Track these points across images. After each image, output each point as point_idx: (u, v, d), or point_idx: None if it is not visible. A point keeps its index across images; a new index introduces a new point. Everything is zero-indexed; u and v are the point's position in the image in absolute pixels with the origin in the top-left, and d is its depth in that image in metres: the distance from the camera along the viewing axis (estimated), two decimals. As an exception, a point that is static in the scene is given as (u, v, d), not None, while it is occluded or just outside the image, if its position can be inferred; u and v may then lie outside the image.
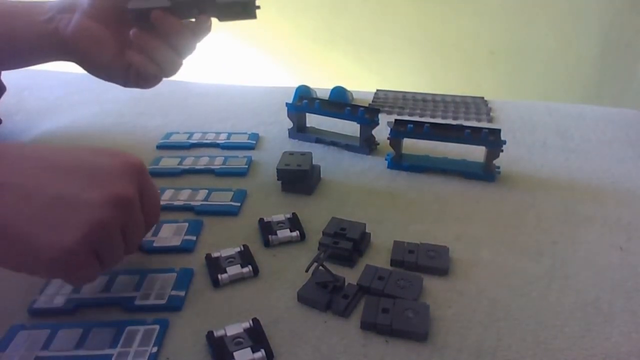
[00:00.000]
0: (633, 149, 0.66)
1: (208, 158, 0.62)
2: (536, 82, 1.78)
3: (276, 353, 0.35)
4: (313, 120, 0.69)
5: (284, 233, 0.47)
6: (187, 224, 0.48)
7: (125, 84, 0.52)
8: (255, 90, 0.88)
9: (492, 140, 0.56)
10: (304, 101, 0.66)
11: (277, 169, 0.54)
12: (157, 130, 0.70)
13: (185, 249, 0.46)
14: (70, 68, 0.61)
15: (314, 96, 0.74)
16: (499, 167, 0.58)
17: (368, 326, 0.37)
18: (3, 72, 0.67)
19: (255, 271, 0.42)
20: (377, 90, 0.87)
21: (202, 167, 0.60)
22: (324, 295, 0.39)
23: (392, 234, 0.47)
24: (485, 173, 0.58)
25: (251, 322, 0.37)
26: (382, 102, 0.81)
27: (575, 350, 0.35)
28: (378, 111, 0.63)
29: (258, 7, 0.48)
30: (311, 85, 0.80)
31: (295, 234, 0.47)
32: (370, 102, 0.81)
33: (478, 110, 0.77)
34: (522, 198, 0.54)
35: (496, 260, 0.45)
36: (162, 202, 0.52)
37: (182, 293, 0.40)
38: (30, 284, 0.41)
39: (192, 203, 0.52)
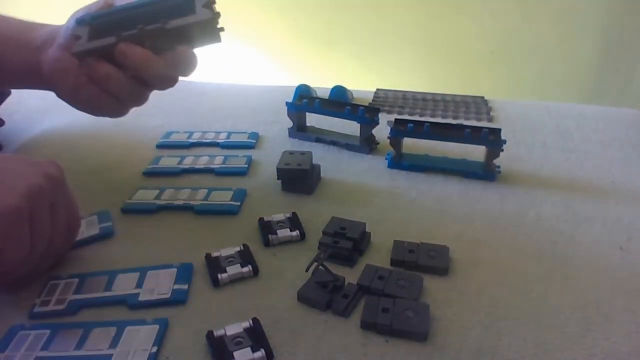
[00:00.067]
0: (633, 149, 0.66)
1: (208, 157, 0.62)
2: (536, 82, 1.78)
3: (276, 353, 0.35)
4: (313, 119, 0.68)
5: (284, 232, 0.47)
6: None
7: (92, 113, 0.50)
8: (255, 89, 0.88)
9: (492, 139, 0.56)
10: (304, 100, 0.66)
11: (277, 168, 0.54)
12: (157, 130, 0.70)
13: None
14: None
15: (314, 95, 0.74)
16: (499, 167, 0.58)
17: (368, 326, 0.37)
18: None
19: (255, 271, 0.42)
20: (377, 89, 0.86)
21: (202, 166, 0.60)
22: (324, 295, 0.39)
23: (392, 234, 0.47)
24: (486, 173, 0.57)
25: (251, 321, 0.37)
26: (382, 101, 0.81)
27: (575, 350, 0.35)
28: (378, 110, 0.63)
29: (221, 30, 0.44)
30: (311, 84, 0.80)
31: (295, 233, 0.47)
32: (370, 101, 0.81)
33: (478, 110, 0.77)
34: (522, 198, 0.54)
35: (496, 260, 0.45)
36: (162, 202, 0.52)
37: (185, 286, 0.40)
38: (30, 288, 0.41)
39: (192, 202, 0.52)
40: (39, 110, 0.77)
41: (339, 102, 0.67)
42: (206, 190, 0.54)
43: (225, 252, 0.44)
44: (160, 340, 0.36)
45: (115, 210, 0.52)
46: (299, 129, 0.68)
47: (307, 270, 0.39)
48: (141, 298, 0.39)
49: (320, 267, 0.39)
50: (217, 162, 0.61)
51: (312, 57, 1.95)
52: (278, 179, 0.55)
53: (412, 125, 0.59)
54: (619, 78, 1.65)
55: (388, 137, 0.60)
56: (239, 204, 0.52)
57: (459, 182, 0.57)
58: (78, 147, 0.66)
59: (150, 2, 0.46)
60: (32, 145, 0.67)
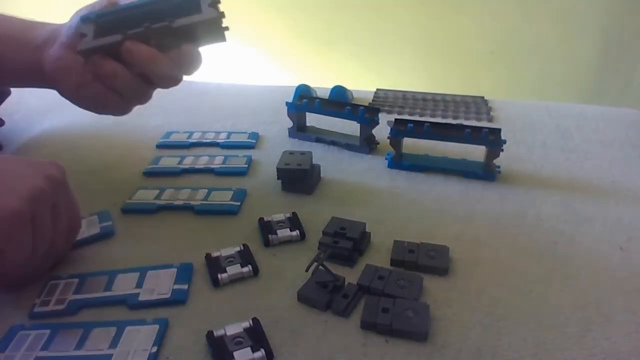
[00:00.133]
0: (633, 149, 0.66)
1: (208, 157, 0.62)
2: (536, 82, 1.78)
3: (276, 353, 0.35)
4: (313, 119, 0.68)
5: (284, 232, 0.47)
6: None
7: (96, 111, 0.50)
8: (255, 89, 0.88)
9: (492, 139, 0.56)
10: (304, 100, 0.66)
11: (277, 168, 0.54)
12: (157, 130, 0.70)
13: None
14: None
15: (314, 95, 0.74)
16: (499, 167, 0.58)
17: (368, 326, 0.37)
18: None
19: (255, 271, 0.42)
20: (377, 89, 0.86)
21: (202, 166, 0.60)
22: (324, 295, 0.39)
23: (392, 234, 0.47)
24: (486, 173, 0.57)
25: (251, 321, 0.37)
26: (382, 101, 0.81)
27: (575, 350, 0.35)
28: (378, 110, 0.63)
29: (226, 29, 0.44)
30: (311, 84, 0.80)
31: (295, 233, 0.47)
32: (370, 101, 0.81)
33: (478, 110, 0.77)
34: (522, 198, 0.54)
35: (496, 260, 0.45)
36: (162, 202, 0.52)
37: (185, 286, 0.40)
38: (30, 288, 0.41)
39: (192, 202, 0.52)
40: (39, 110, 0.77)
41: (339, 102, 0.67)
42: (206, 190, 0.54)
43: (225, 252, 0.44)
44: (160, 340, 0.36)
45: (115, 210, 0.52)
46: (299, 129, 0.68)
47: (307, 270, 0.39)
48: (141, 298, 0.39)
49: (320, 267, 0.39)
50: (217, 162, 0.61)
51: (312, 57, 1.95)
52: (278, 179, 0.55)
53: (412, 125, 0.59)
54: (619, 78, 1.65)
55: (388, 137, 0.60)
56: (239, 204, 0.52)
57: (459, 182, 0.57)
58: (78, 147, 0.66)
59: (154, 0, 0.46)
60: (32, 145, 0.67)
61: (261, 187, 0.56)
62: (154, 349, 0.35)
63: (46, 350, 0.35)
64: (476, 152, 0.60)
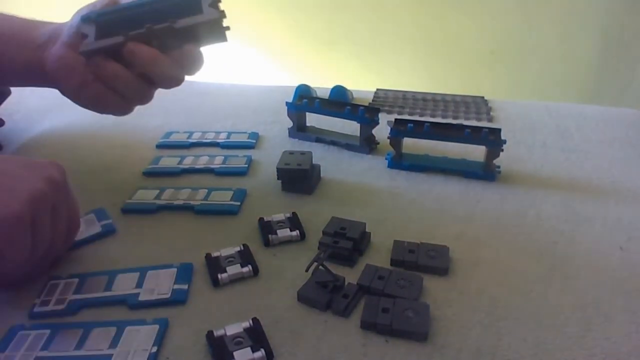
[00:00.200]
0: (633, 149, 0.66)
1: (208, 157, 0.62)
2: (536, 82, 1.78)
3: (276, 353, 0.35)
4: (313, 119, 0.68)
5: (284, 232, 0.47)
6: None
7: (97, 111, 0.50)
8: (255, 89, 0.88)
9: (492, 139, 0.56)
10: (304, 100, 0.66)
11: (277, 168, 0.54)
12: (157, 130, 0.70)
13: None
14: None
15: (314, 95, 0.74)
16: (499, 167, 0.58)
17: (368, 326, 0.37)
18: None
19: (255, 271, 0.42)
20: (377, 89, 0.86)
21: (202, 166, 0.60)
22: (324, 295, 0.39)
23: (392, 234, 0.47)
24: (486, 173, 0.57)
25: (251, 321, 0.37)
26: (382, 101, 0.81)
27: (575, 350, 0.35)
28: (378, 110, 0.63)
29: (227, 29, 0.44)
30: (311, 84, 0.80)
31: (295, 233, 0.47)
32: (370, 101, 0.81)
33: (478, 110, 0.77)
34: (522, 198, 0.54)
35: (496, 260, 0.45)
36: (162, 202, 0.52)
37: (185, 286, 0.40)
38: (30, 288, 0.41)
39: (192, 202, 0.52)
40: (39, 110, 0.77)
41: (339, 102, 0.67)
42: (206, 190, 0.54)
43: (225, 252, 0.44)
44: (160, 340, 0.36)
45: (115, 210, 0.52)
46: (299, 129, 0.68)
47: (307, 270, 0.39)
48: (141, 298, 0.39)
49: (320, 267, 0.39)
50: (217, 162, 0.61)
51: (312, 57, 1.95)
52: (278, 179, 0.55)
53: (412, 125, 0.59)
54: (619, 78, 1.65)
55: (388, 137, 0.60)
56: (239, 204, 0.52)
57: (459, 182, 0.57)
58: (78, 147, 0.66)
59: (155, 0, 0.46)
60: (32, 145, 0.67)
61: (261, 187, 0.56)
62: (154, 349, 0.35)
63: (46, 350, 0.35)
64: (476, 152, 0.60)
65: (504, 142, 0.56)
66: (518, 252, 0.46)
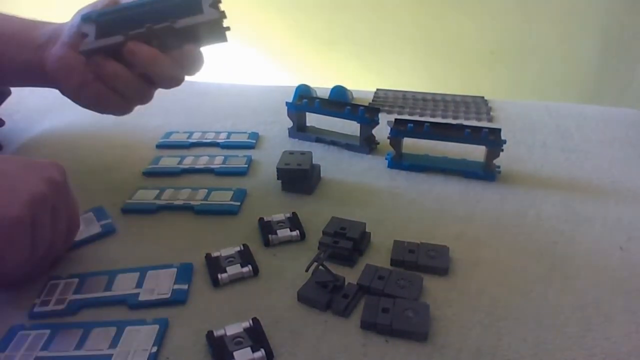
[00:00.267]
0: (633, 149, 0.66)
1: (208, 157, 0.62)
2: (536, 82, 1.78)
3: (276, 353, 0.35)
4: (313, 119, 0.68)
5: (284, 232, 0.47)
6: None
7: (97, 110, 0.50)
8: (255, 89, 0.88)
9: (492, 139, 0.56)
10: (304, 100, 0.66)
11: (277, 168, 0.54)
12: (157, 130, 0.70)
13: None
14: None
15: (314, 95, 0.74)
16: (499, 167, 0.58)
17: (368, 326, 0.37)
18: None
19: (255, 271, 0.42)
20: (377, 89, 0.86)
21: (202, 166, 0.60)
22: (324, 295, 0.39)
23: (392, 234, 0.47)
24: (486, 173, 0.57)
25: (251, 321, 0.37)
26: (382, 101, 0.81)
27: (575, 350, 0.35)
28: (378, 110, 0.63)
29: (227, 29, 0.44)
30: (311, 84, 0.80)
31: (295, 233, 0.47)
32: (370, 101, 0.81)
33: (478, 110, 0.77)
34: (522, 198, 0.54)
35: (496, 260, 0.45)
36: (162, 202, 0.52)
37: (185, 286, 0.40)
38: (30, 288, 0.41)
39: (192, 202, 0.52)
40: (39, 110, 0.77)
41: (339, 102, 0.67)
42: (206, 190, 0.54)
43: (225, 252, 0.44)
44: (160, 340, 0.36)
45: (115, 210, 0.52)
46: (299, 129, 0.68)
47: (307, 270, 0.39)
48: (141, 298, 0.39)
49: (320, 267, 0.39)
50: (217, 162, 0.61)
51: (312, 57, 1.95)
52: (278, 179, 0.55)
53: (412, 125, 0.59)
54: (619, 78, 1.65)
55: (388, 137, 0.60)
56: (239, 204, 0.52)
57: (459, 182, 0.57)
58: (78, 147, 0.66)
59: (155, 0, 0.46)
60: (32, 145, 0.67)
61: (261, 187, 0.56)
62: (154, 349, 0.35)
63: (46, 350, 0.35)
64: (476, 152, 0.60)
65: (504, 142, 0.56)
66: (518, 252, 0.46)
